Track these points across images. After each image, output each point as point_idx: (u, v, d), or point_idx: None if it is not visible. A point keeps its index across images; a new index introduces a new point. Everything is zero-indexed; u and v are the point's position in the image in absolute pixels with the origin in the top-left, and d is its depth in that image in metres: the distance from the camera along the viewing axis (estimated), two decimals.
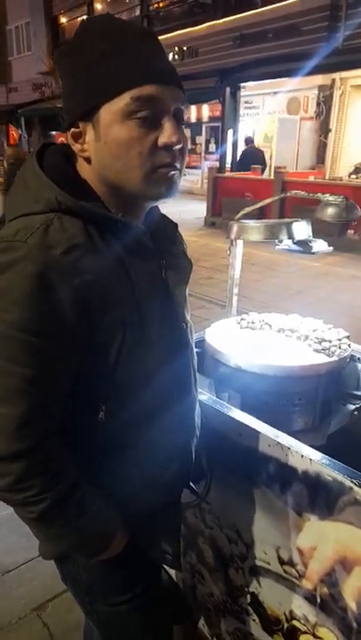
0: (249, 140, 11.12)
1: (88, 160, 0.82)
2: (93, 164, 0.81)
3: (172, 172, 0.81)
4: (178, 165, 0.81)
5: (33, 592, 1.87)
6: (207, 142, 15.00)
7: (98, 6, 16.98)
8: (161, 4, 14.42)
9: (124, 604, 1.01)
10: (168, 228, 0.97)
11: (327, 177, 11.01)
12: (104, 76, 0.76)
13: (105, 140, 0.78)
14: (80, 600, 1.06)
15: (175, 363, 0.92)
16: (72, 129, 0.81)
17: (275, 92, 12.09)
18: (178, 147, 0.79)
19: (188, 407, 1.00)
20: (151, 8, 14.52)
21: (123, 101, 0.76)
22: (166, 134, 0.78)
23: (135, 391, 0.85)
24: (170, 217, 1.00)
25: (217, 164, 11.36)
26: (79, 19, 17.81)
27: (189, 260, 1.01)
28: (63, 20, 18.97)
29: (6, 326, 0.71)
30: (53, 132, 18.45)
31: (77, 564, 0.98)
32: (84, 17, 17.20)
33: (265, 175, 10.76)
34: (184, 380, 0.98)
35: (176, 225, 0.99)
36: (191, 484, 1.10)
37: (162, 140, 0.78)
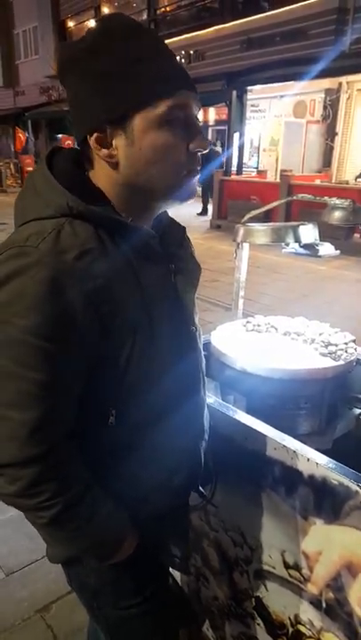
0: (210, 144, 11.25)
1: (114, 165, 0.80)
2: (122, 169, 0.80)
3: (196, 177, 0.84)
4: (198, 169, 0.84)
5: (36, 594, 1.86)
6: (213, 145, 15.05)
7: (105, 10, 17.08)
8: (168, 8, 14.49)
9: (133, 607, 1.00)
10: (177, 232, 0.96)
11: (334, 180, 11.00)
12: (140, 81, 0.76)
13: (140, 147, 0.78)
14: (87, 603, 1.05)
15: (184, 366, 0.92)
16: (96, 133, 0.78)
17: (281, 96, 12.11)
18: (205, 152, 0.82)
19: (196, 410, 1.00)
20: (158, 12, 14.58)
21: (160, 108, 0.76)
22: (198, 141, 0.80)
23: (144, 394, 0.85)
24: (176, 219, 0.99)
25: (223, 167, 11.37)
26: (86, 22, 17.93)
27: (198, 263, 1.01)
28: (70, 24, 19.09)
29: (19, 331, 0.71)
30: (59, 135, 18.54)
31: (86, 566, 0.97)
32: (92, 20, 17.33)
33: (271, 178, 10.76)
34: (192, 383, 0.98)
35: (184, 228, 0.99)
36: (200, 487, 1.10)
37: (194, 146, 0.80)
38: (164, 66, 0.78)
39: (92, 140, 0.79)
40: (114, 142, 0.78)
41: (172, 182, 0.81)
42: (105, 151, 0.79)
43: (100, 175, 0.83)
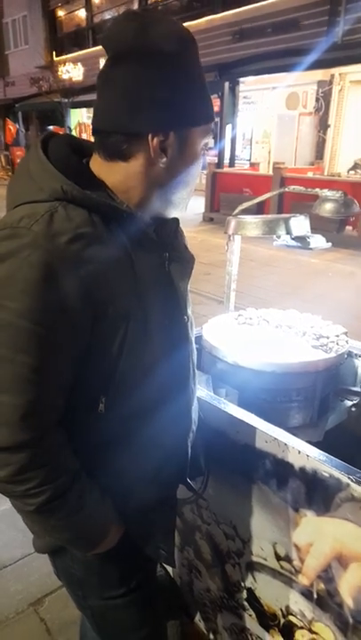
0: None
1: (159, 168, 0.81)
2: (161, 174, 0.82)
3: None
4: None
5: (30, 587, 1.87)
6: None
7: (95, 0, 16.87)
8: None
9: (118, 598, 1.01)
10: (170, 222, 0.96)
11: (326, 173, 10.99)
12: (206, 98, 0.83)
13: (184, 160, 0.83)
14: (74, 594, 1.06)
15: (175, 355, 0.92)
16: (158, 136, 0.78)
17: (274, 88, 12.05)
18: None
19: (185, 401, 1.00)
20: (150, 2, 14.42)
21: (207, 130, 0.84)
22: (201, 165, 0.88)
23: (136, 383, 0.85)
24: None
25: (215, 159, 11.31)
26: (76, 12, 17.70)
27: (191, 254, 1.01)
28: (60, 13, 18.85)
29: (12, 315, 0.71)
30: (51, 127, 18.37)
31: (72, 557, 0.98)
32: (82, 10, 17.10)
33: (263, 170, 10.73)
34: (183, 374, 0.98)
35: (178, 219, 0.99)
36: (188, 479, 1.10)
37: (200, 169, 0.88)
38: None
39: (152, 141, 0.78)
40: (168, 148, 0.80)
41: (184, 203, 0.89)
42: (159, 153, 0.80)
43: (128, 171, 0.81)
